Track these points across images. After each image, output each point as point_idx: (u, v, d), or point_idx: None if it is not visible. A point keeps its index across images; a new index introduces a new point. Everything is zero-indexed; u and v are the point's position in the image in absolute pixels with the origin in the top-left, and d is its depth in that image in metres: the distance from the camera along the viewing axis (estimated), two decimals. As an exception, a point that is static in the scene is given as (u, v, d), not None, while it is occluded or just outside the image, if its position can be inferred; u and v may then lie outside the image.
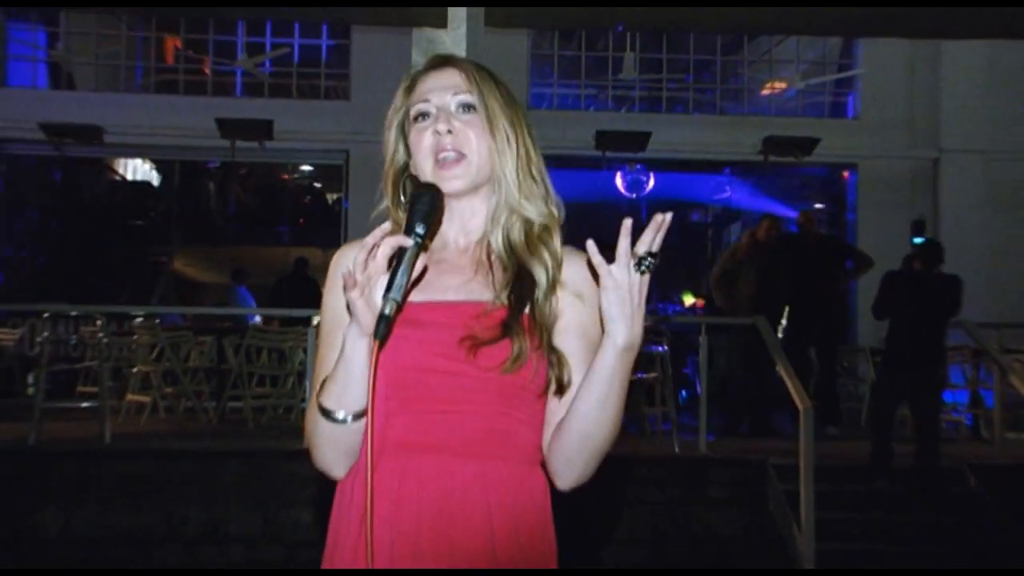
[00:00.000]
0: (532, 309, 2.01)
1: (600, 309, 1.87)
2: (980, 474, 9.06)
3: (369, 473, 1.88)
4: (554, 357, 2.00)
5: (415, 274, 1.92)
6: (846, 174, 16.95)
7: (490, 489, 1.97)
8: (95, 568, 8.02)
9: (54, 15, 16.10)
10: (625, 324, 1.83)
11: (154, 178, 18.59)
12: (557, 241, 2.10)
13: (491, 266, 2.08)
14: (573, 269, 2.07)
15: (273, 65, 16.40)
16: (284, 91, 16.54)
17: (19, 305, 14.09)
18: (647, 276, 1.81)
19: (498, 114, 2.11)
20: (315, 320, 12.88)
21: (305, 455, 6.33)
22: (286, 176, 19.83)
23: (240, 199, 19.37)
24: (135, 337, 11.81)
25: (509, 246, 2.09)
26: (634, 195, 16.75)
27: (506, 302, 2.00)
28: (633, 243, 1.82)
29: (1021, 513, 8.51)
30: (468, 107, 2.12)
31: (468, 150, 2.09)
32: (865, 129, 16.26)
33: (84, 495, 8.48)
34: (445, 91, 2.13)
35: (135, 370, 11.47)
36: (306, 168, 19.63)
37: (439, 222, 2.05)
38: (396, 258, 1.88)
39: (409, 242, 1.89)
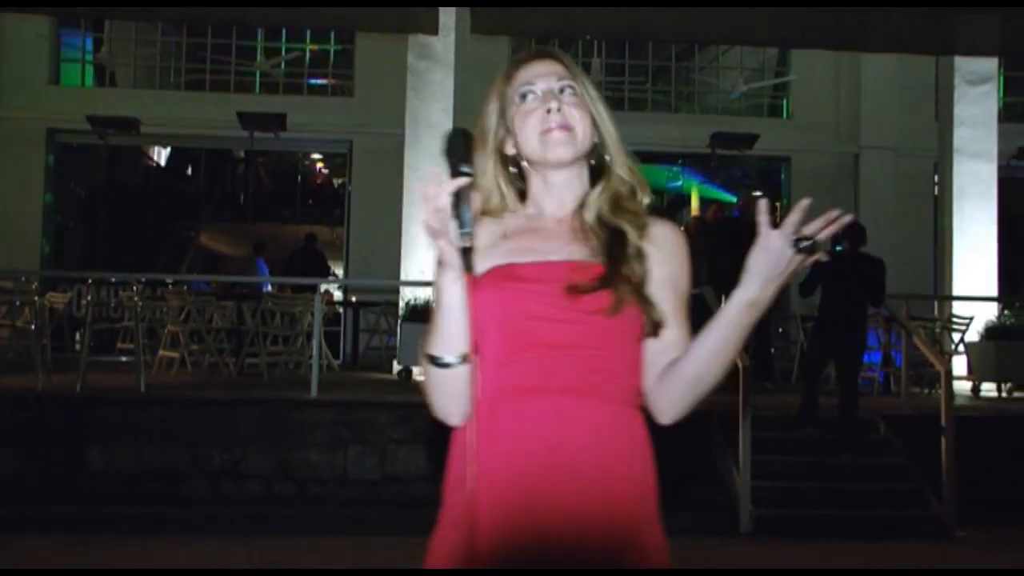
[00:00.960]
0: (625, 265, 1.95)
1: (747, 260, 1.82)
2: (889, 423, 9.14)
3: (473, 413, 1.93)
4: (647, 305, 1.94)
5: (476, 207, 1.85)
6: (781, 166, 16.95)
7: (596, 426, 1.92)
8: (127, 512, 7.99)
9: (99, 23, 15.98)
10: (758, 284, 1.79)
11: (183, 164, 18.43)
12: (642, 205, 2.07)
13: (586, 232, 2.03)
14: (658, 230, 2.04)
15: (287, 66, 16.29)
16: (296, 89, 16.48)
17: (68, 272, 14.02)
18: (799, 257, 1.75)
19: (595, 97, 2.08)
20: (323, 287, 12.91)
21: (316, 405, 6.34)
22: (297, 163, 19.71)
23: (257, 182, 19.26)
24: (166, 301, 11.80)
25: (604, 212, 2.04)
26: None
27: (602, 260, 1.96)
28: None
29: (920, 454, 8.53)
30: (571, 89, 2.08)
31: (574, 123, 2.04)
32: (797, 128, 16.32)
33: (123, 436, 8.53)
34: (549, 76, 2.08)
35: (166, 330, 11.45)
36: (315, 156, 19.54)
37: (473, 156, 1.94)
38: (456, 200, 1.82)
39: (463, 181, 1.84)
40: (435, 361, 1.95)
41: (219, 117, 15.27)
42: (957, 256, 12.98)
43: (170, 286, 12.48)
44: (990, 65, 13.27)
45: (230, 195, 19.54)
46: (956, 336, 12.26)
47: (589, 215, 2.04)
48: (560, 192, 2.10)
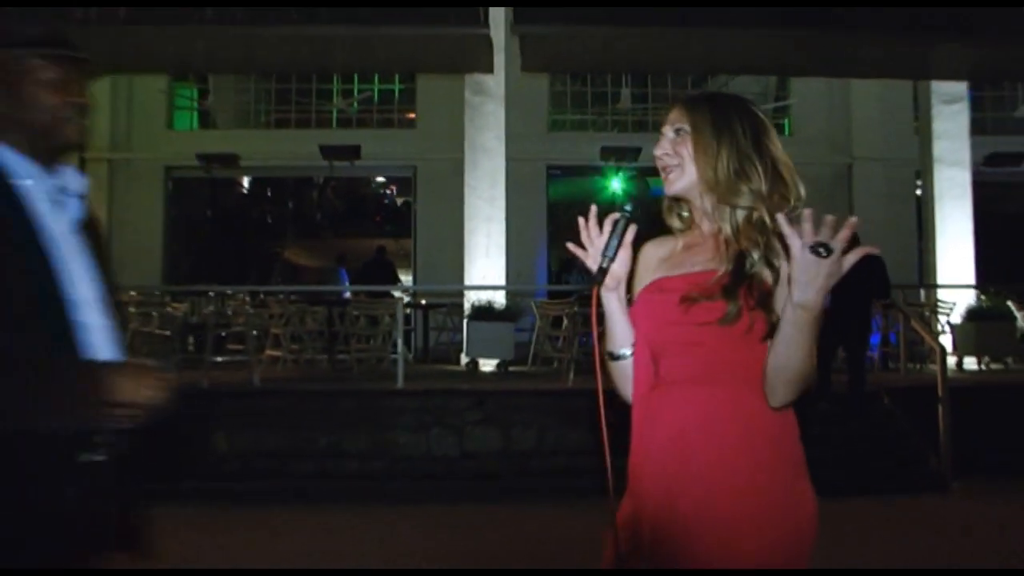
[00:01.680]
0: (751, 277, 1.97)
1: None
2: (892, 395, 9.15)
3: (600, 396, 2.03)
4: (768, 312, 1.94)
5: (627, 239, 2.03)
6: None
7: (718, 409, 1.98)
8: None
9: (204, 77, 16.36)
10: (799, 288, 1.78)
11: (273, 190, 18.64)
12: (770, 222, 1.99)
13: (727, 246, 2.05)
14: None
15: (359, 104, 16.44)
16: (368, 123, 16.56)
17: (190, 286, 14.27)
18: (824, 259, 1.74)
19: (704, 131, 2.07)
20: (396, 293, 13.07)
21: (402, 394, 6.43)
22: (369, 186, 19.86)
23: (335, 204, 19.43)
24: (269, 308, 11.97)
25: (733, 230, 2.05)
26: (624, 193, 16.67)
27: (730, 272, 1.99)
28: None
29: (919, 420, 8.59)
30: (681, 131, 2.10)
31: (679, 161, 2.10)
32: (797, 143, 16.19)
33: (242, 422, 8.63)
34: (668, 125, 2.13)
35: (270, 332, 11.61)
36: (384, 179, 19.65)
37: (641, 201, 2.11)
38: (612, 230, 2.02)
39: (618, 215, 2.02)
40: (612, 356, 2.11)
41: (303, 149, 15.43)
42: (940, 250, 13.00)
43: (263, 295, 12.62)
44: (961, 87, 13.27)
45: (312, 215, 19.71)
46: (942, 319, 12.25)
47: (724, 231, 2.06)
48: (703, 212, 2.13)
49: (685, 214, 2.20)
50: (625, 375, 2.12)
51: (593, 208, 2.06)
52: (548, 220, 15.83)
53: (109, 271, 2.05)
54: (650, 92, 16.53)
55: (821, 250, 1.73)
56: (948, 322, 12.17)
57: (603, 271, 2.03)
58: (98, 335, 1.94)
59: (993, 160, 15.21)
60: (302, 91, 16.42)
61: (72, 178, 1.99)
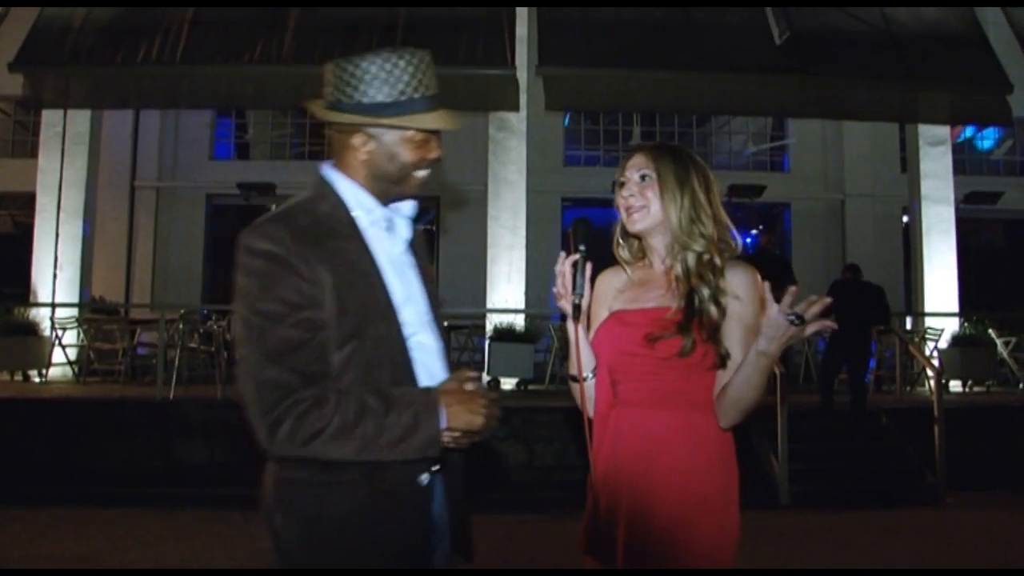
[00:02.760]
0: (701, 313, 2.09)
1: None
2: (889, 414, 9.17)
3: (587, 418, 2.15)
4: (717, 344, 2.08)
5: (588, 275, 2.14)
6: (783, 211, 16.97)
7: (674, 430, 2.11)
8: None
9: (242, 112, 16.51)
10: (765, 340, 1.97)
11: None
12: (719, 264, 2.14)
13: (677, 284, 2.16)
14: (735, 279, 2.14)
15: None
16: (395, 155, 16.59)
17: (220, 306, 14.29)
18: (794, 328, 1.93)
19: (668, 179, 2.18)
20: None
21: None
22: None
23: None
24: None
25: (685, 269, 2.15)
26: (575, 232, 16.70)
27: (682, 308, 2.10)
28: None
29: (913, 437, 8.62)
30: (647, 177, 2.21)
31: (643, 203, 2.20)
32: (794, 179, 16.30)
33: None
34: (632, 169, 2.24)
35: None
36: (409, 208, 19.68)
37: (589, 237, 2.19)
38: (575, 270, 2.13)
39: (576, 256, 2.14)
40: (573, 379, 2.25)
41: (334, 179, 15.50)
42: (927, 280, 13.02)
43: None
44: (944, 130, 13.37)
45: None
46: (930, 344, 12.27)
47: (677, 270, 2.18)
48: (657, 252, 2.26)
49: (634, 249, 2.33)
50: (588, 395, 2.25)
51: (561, 256, 2.16)
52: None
53: (433, 287, 2.11)
54: (658, 131, 16.61)
55: (794, 319, 1.92)
56: (936, 347, 12.18)
57: (578, 308, 2.15)
58: (430, 355, 2.00)
59: (971, 198, 15.32)
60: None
61: (404, 203, 2.07)
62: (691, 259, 2.15)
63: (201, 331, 11.63)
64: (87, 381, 11.32)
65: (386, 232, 2.01)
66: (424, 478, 1.91)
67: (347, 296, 1.83)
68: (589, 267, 2.15)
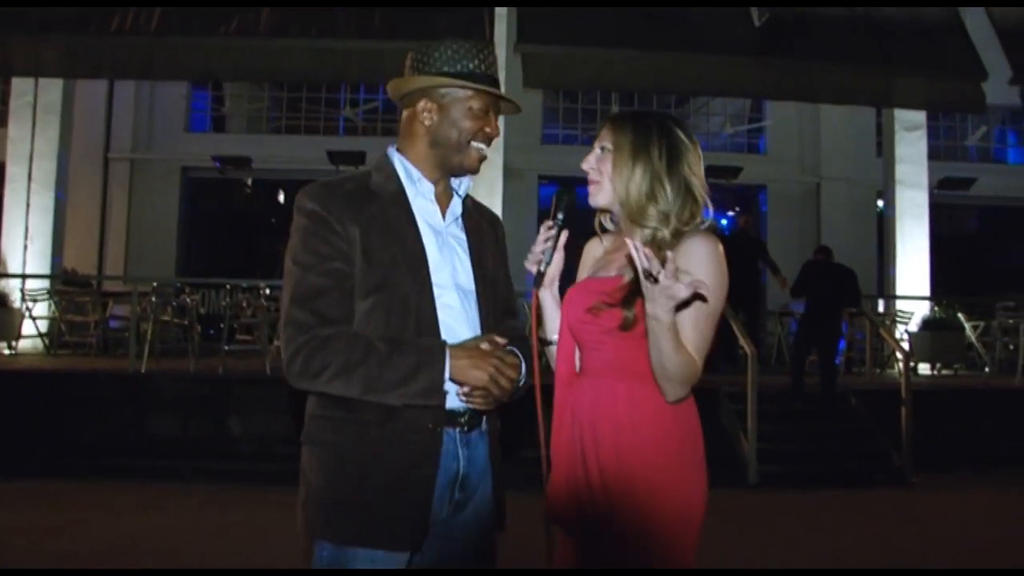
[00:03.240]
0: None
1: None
2: (858, 396, 9.23)
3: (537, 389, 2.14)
4: None
5: (560, 243, 2.17)
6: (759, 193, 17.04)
7: (619, 400, 2.06)
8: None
9: (218, 84, 16.36)
10: (648, 302, 1.85)
11: (281, 192, 18.55)
12: (669, 239, 2.05)
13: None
14: (688, 253, 2.01)
15: (365, 113, 16.42)
16: (373, 131, 16.49)
17: (194, 279, 14.21)
18: (656, 287, 1.80)
19: (622, 152, 2.11)
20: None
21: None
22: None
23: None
24: (279, 301, 11.85)
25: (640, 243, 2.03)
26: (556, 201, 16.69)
27: (629, 282, 2.04)
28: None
29: (882, 418, 8.69)
30: (604, 149, 2.16)
31: (600, 177, 2.16)
32: (771, 162, 16.35)
33: (256, 408, 8.55)
34: (597, 141, 2.21)
35: (279, 324, 11.48)
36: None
37: (573, 208, 2.20)
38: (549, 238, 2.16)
39: (551, 223, 2.16)
40: (542, 341, 2.25)
41: (311, 155, 15.38)
42: (900, 264, 13.13)
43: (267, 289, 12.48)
44: (920, 116, 13.45)
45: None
46: (901, 328, 12.39)
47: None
48: (624, 224, 2.19)
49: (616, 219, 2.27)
50: (551, 359, 2.26)
51: (546, 223, 2.18)
52: (539, 226, 15.78)
53: (487, 266, 2.25)
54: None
55: (648, 278, 1.82)
56: (907, 330, 12.30)
57: (540, 275, 2.17)
58: (457, 319, 2.11)
59: (945, 184, 15.45)
60: (312, 99, 16.40)
61: (456, 180, 2.23)
62: (642, 235, 2.08)
63: (174, 304, 11.55)
64: (58, 354, 11.24)
65: (432, 203, 2.18)
66: (439, 430, 2.03)
67: (375, 252, 2.02)
68: (564, 236, 2.15)
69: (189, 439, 8.42)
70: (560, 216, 2.16)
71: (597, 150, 2.19)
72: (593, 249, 2.33)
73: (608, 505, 2.02)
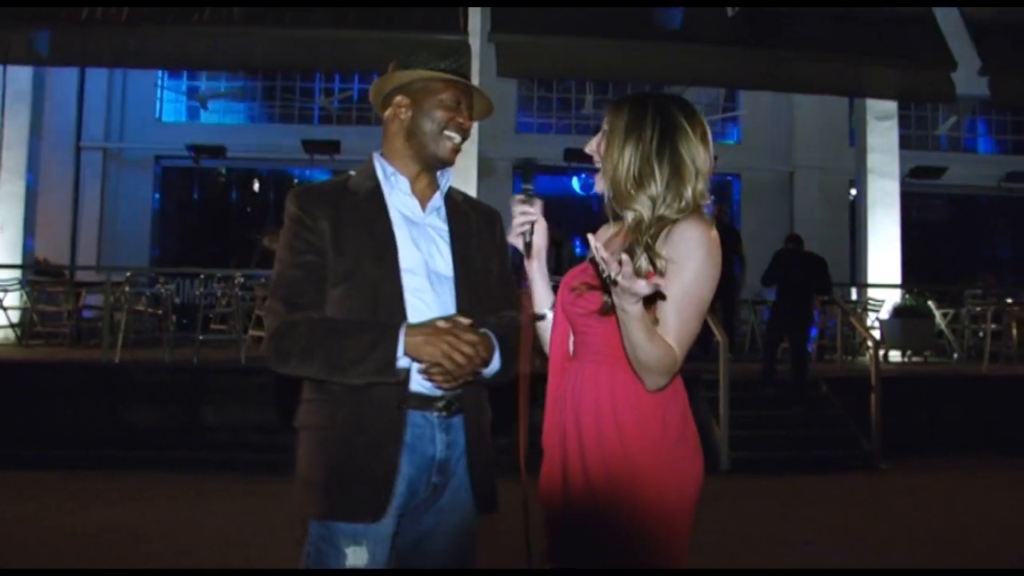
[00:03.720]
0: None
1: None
2: (830, 383, 9.32)
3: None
4: (646, 307, 1.86)
5: (537, 209, 2.17)
6: (732, 181, 17.12)
7: (601, 386, 2.01)
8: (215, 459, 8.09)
9: (194, 72, 16.24)
10: (614, 296, 1.79)
11: (256, 181, 18.45)
12: (652, 224, 1.98)
13: (625, 240, 2.03)
14: (675, 240, 1.95)
15: (340, 102, 16.36)
16: (348, 120, 16.45)
17: (168, 269, 14.13)
18: (616, 285, 1.73)
19: (615, 135, 2.05)
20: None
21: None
22: (348, 179, 19.78)
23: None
24: (254, 291, 11.80)
25: (627, 227, 2.04)
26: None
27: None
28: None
29: (853, 405, 8.79)
30: (603, 132, 2.09)
31: (598, 162, 2.10)
32: (745, 150, 16.42)
33: (231, 397, 8.54)
34: (603, 126, 2.15)
35: (254, 314, 11.43)
36: (362, 173, 19.58)
37: (533, 175, 2.31)
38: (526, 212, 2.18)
39: (521, 196, 2.19)
40: (532, 316, 2.25)
41: (286, 143, 15.37)
42: (871, 252, 13.26)
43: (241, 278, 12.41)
44: (892, 105, 13.56)
45: (292, 206, 19.51)
46: (872, 315, 12.51)
47: (628, 227, 2.06)
48: (615, 207, 2.11)
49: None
50: (544, 336, 2.24)
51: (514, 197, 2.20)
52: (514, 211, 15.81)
53: (471, 259, 2.30)
54: (610, 99, 16.62)
55: (606, 277, 1.79)
56: (878, 318, 12.42)
57: (528, 245, 2.18)
58: (428, 305, 2.18)
59: (916, 173, 15.61)
60: (286, 88, 16.33)
61: (440, 174, 2.33)
62: (631, 217, 2.04)
63: (148, 294, 11.48)
64: (30, 344, 11.15)
65: (409, 196, 2.28)
66: (404, 411, 2.12)
67: (345, 242, 2.15)
68: (539, 204, 2.14)
69: (164, 429, 8.38)
70: (530, 187, 2.18)
71: (599, 134, 2.13)
72: (602, 234, 2.23)
73: (589, 492, 1.99)
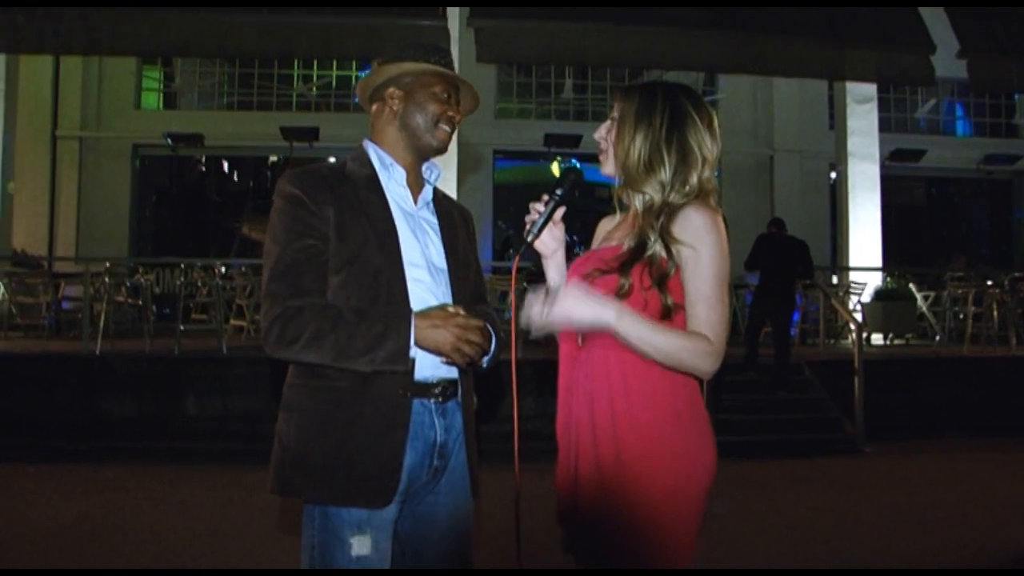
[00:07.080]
0: (647, 258, 1.98)
1: None
2: (812, 367, 9.38)
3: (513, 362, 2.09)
4: (664, 294, 1.95)
5: (556, 217, 2.15)
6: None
7: (611, 367, 2.01)
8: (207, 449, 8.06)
9: (170, 60, 16.10)
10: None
11: (235, 169, 18.32)
12: (660, 207, 2.01)
13: (636, 225, 2.07)
14: (686, 224, 1.98)
15: (319, 89, 16.24)
16: (327, 107, 16.35)
17: (148, 259, 14.02)
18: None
19: (626, 121, 2.09)
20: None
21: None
22: (328, 167, 19.70)
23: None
24: (234, 280, 11.74)
25: (639, 212, 2.07)
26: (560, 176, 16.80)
27: (628, 250, 2.02)
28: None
29: (835, 389, 8.86)
30: (613, 120, 2.15)
31: (606, 147, 2.15)
32: (724, 134, 15.59)
33: (212, 387, 8.52)
34: (610, 113, 2.19)
35: (235, 303, 11.38)
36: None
37: (576, 187, 2.18)
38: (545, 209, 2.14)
39: (545, 197, 2.14)
40: None
41: (264, 131, 15.24)
42: (852, 236, 13.31)
43: (242, 269, 12.35)
44: (871, 88, 13.61)
45: (269, 193, 19.39)
46: (854, 298, 12.57)
47: (636, 213, 2.09)
48: (626, 192, 2.15)
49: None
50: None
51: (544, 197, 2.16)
52: (494, 201, 15.88)
53: (459, 251, 2.36)
54: (590, 84, 16.62)
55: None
56: (859, 301, 12.48)
57: (527, 244, 2.16)
58: (427, 292, 2.21)
59: (896, 156, 15.67)
60: (264, 75, 16.17)
61: (426, 169, 2.38)
62: (640, 202, 2.08)
63: (128, 284, 11.37)
64: (9, 336, 11.04)
65: (404, 188, 2.30)
66: (408, 397, 2.14)
67: (348, 229, 2.14)
68: (559, 212, 2.14)
69: (145, 419, 8.34)
70: (559, 191, 2.13)
71: (608, 120, 2.18)
72: (605, 225, 2.30)
73: (600, 478, 1.99)
